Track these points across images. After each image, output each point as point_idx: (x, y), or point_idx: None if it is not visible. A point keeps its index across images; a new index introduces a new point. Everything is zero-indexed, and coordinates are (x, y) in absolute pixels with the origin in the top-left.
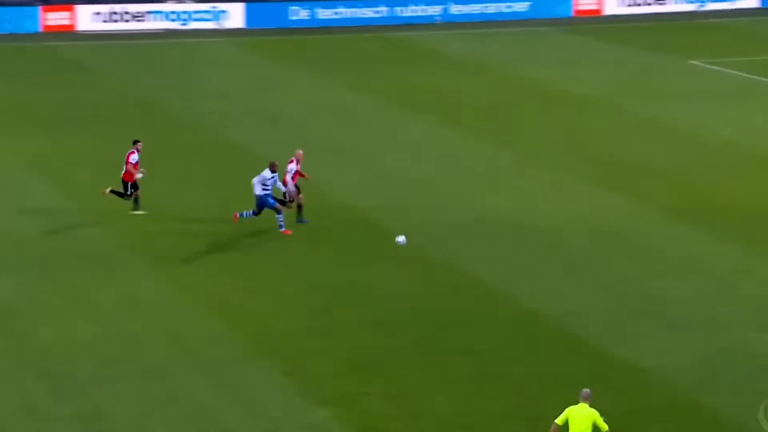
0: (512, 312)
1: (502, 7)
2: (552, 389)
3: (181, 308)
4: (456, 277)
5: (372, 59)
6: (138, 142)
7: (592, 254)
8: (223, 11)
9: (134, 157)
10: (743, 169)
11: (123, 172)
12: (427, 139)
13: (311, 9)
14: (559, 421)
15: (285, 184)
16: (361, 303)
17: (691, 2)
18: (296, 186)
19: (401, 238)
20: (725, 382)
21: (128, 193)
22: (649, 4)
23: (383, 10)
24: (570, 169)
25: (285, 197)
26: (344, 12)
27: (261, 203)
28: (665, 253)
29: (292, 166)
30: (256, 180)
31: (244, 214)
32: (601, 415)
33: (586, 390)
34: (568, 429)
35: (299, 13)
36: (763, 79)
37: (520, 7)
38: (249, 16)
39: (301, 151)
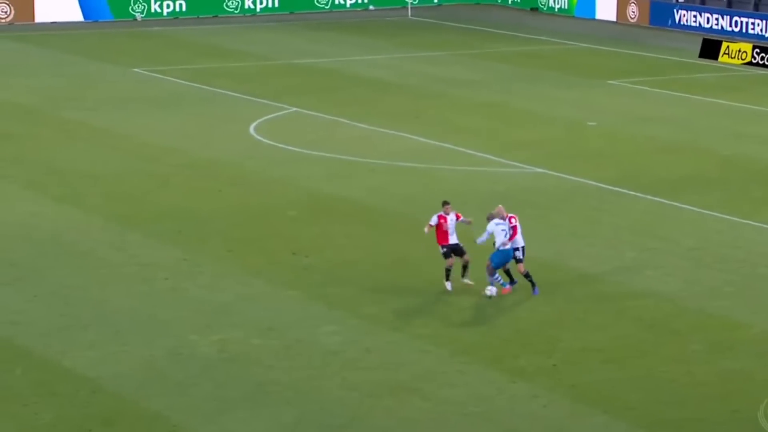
0: None
1: None
2: None
3: None
4: None
5: None
6: (447, 204)
7: (34, 264)
8: None
9: (434, 220)
10: (181, 173)
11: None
12: None
13: None
14: None
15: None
16: None
17: (134, 12)
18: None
19: (492, 290)
20: (169, 385)
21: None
22: None
23: None
24: (10, 178)
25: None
26: None
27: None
28: (109, 260)
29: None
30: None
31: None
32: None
33: None
34: None
35: None
36: (197, 85)
37: None
38: None
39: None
